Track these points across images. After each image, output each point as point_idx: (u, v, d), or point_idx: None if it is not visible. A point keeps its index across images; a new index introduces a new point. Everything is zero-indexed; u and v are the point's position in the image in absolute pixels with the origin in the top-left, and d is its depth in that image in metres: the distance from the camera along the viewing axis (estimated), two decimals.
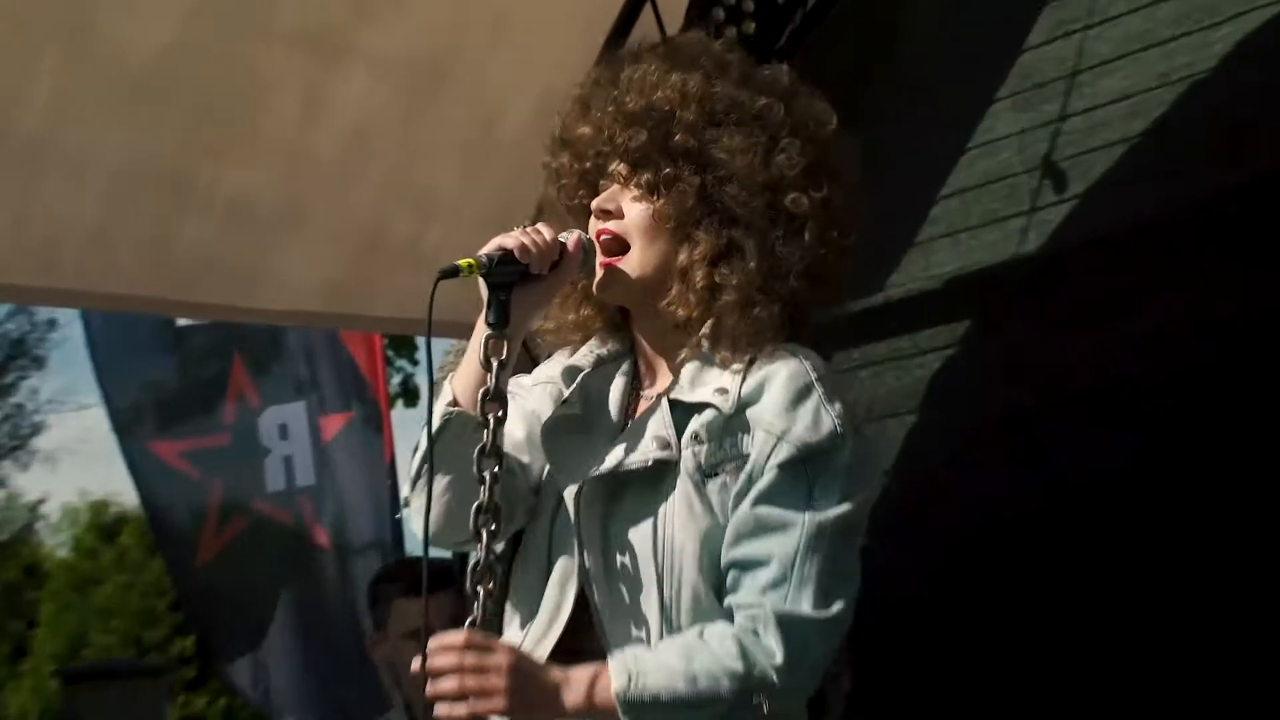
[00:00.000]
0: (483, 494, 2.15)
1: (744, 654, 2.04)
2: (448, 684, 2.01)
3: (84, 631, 20.30)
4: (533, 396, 2.36)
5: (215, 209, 4.46)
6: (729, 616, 2.16)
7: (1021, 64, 4.58)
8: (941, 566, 4.38)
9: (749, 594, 2.08)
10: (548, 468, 2.27)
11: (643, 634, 2.14)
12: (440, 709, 2.01)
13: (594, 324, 2.38)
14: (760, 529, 2.08)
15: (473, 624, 2.13)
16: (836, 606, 2.08)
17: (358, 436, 6.81)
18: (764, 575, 2.07)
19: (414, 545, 2.36)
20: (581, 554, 2.18)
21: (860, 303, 4.64)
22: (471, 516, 2.15)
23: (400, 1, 4.30)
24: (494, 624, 2.17)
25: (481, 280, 2.18)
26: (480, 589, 2.14)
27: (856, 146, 2.29)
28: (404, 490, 2.29)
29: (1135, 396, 4.09)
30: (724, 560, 2.12)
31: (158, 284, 4.52)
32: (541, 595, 2.23)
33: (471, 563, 2.16)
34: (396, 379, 11.64)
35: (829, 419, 2.12)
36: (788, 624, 2.04)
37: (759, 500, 2.13)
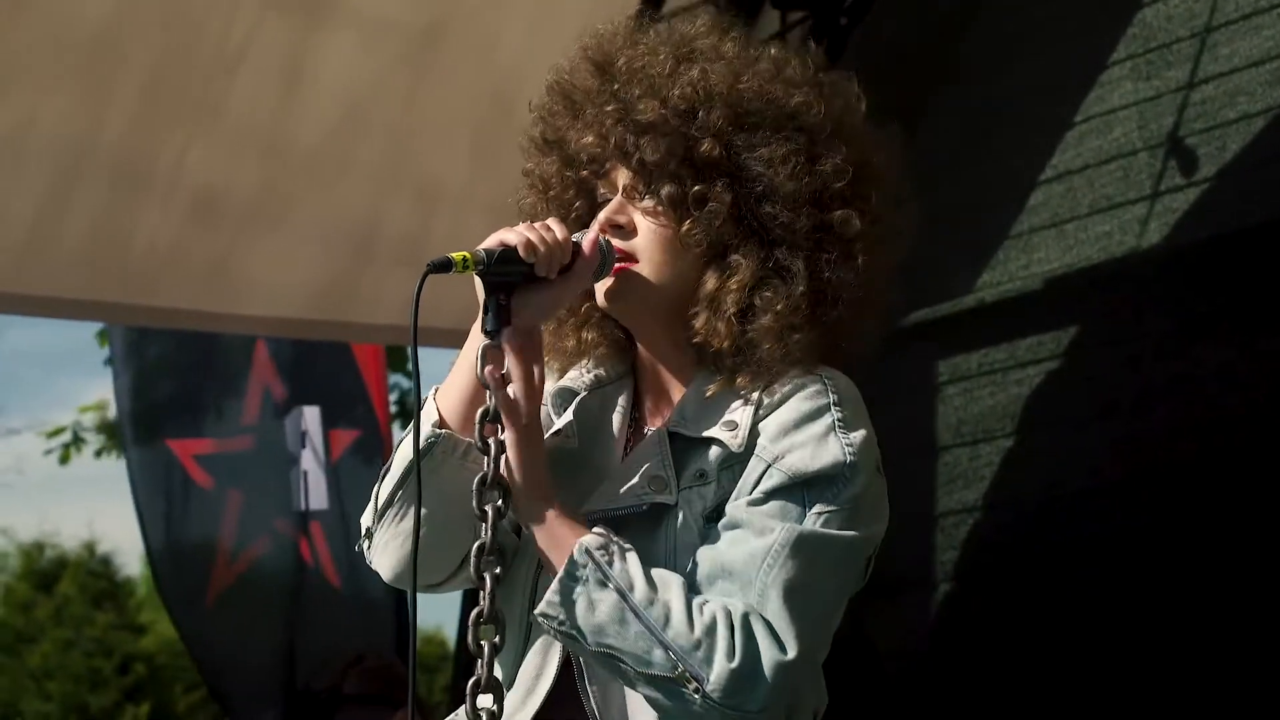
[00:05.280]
0: (484, 532, 2.14)
1: (709, 631, 2.02)
2: None
3: (15, 699, 20.31)
4: None
5: (177, 200, 4.45)
6: None
7: (1141, 20, 4.54)
8: (1044, 616, 4.34)
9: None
10: None
11: (637, 708, 2.15)
12: None
13: (598, 350, 2.38)
14: (732, 540, 2.10)
15: (475, 686, 2.13)
16: (802, 644, 2.04)
17: (363, 458, 6.69)
18: (730, 583, 2.09)
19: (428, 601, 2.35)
20: None
21: (948, 306, 4.66)
22: (473, 558, 2.14)
23: None
24: (498, 686, 2.13)
25: (478, 279, 2.18)
26: (485, 644, 2.13)
27: (899, 140, 2.27)
28: (365, 520, 2.32)
29: None
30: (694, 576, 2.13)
31: (107, 286, 4.52)
32: (520, 658, 2.24)
33: (474, 614, 2.13)
34: (393, 396, 11.64)
35: (837, 446, 2.14)
36: (755, 627, 2.02)
37: (734, 515, 2.13)
